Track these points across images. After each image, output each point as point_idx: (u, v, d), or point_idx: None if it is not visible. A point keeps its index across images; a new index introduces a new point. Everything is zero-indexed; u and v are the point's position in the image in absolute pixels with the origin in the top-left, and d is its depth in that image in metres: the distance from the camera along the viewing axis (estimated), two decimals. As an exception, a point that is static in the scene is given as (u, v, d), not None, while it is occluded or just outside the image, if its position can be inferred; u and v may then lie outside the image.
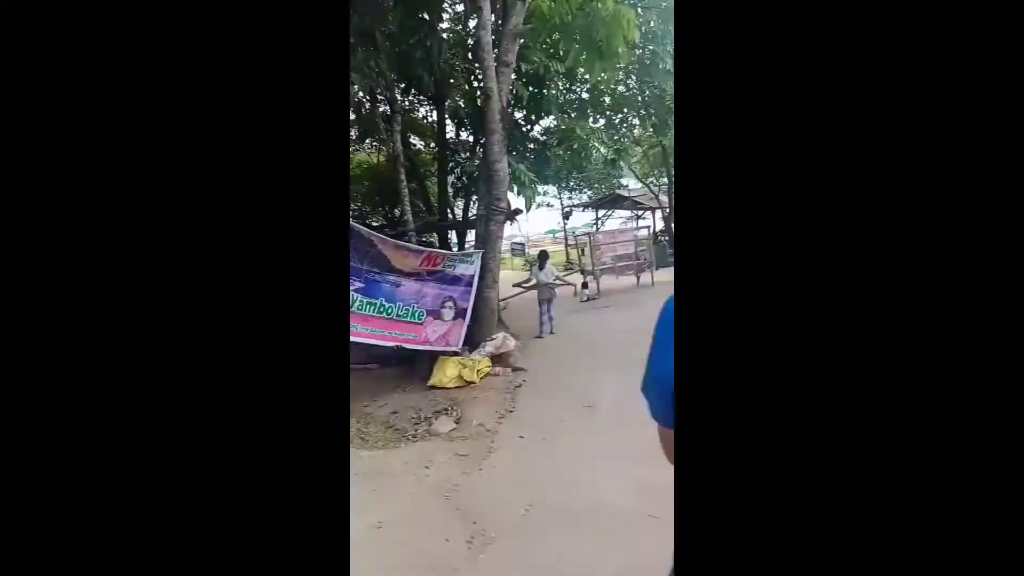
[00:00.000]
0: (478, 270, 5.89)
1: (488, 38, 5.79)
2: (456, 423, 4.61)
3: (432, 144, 9.08)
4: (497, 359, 6.15)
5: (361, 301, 5.02)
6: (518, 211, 6.57)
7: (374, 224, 8.70)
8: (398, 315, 5.35)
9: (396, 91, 6.02)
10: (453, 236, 9.16)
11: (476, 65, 6.62)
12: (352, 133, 10.93)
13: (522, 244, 22.01)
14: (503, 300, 10.39)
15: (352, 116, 8.38)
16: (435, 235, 8.01)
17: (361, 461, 3.56)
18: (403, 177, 5.86)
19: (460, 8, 7.45)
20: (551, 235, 25.46)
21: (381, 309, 5.19)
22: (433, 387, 5.53)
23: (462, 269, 5.78)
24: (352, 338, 5.01)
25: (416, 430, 4.51)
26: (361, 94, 5.65)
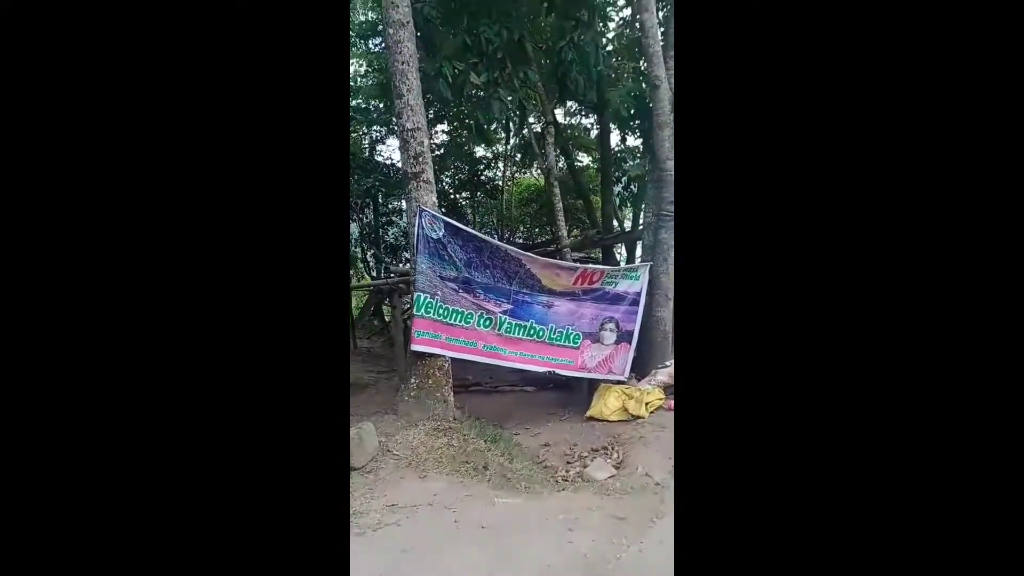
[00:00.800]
0: (645, 286, 5.05)
1: (654, 20, 5.05)
2: (616, 468, 3.83)
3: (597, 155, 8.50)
4: (671, 391, 5.19)
5: (509, 323, 4.59)
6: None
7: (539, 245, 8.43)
8: (551, 338, 4.80)
9: (551, 102, 5.58)
10: (623, 251, 8.44)
11: (640, 56, 5.86)
12: (514, 154, 11.01)
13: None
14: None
15: (511, 137, 8.32)
16: (599, 251, 7.34)
17: (494, 510, 3.02)
18: (556, 191, 5.36)
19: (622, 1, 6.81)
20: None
21: (531, 332, 4.70)
22: (592, 419, 4.82)
23: (625, 286, 5.01)
24: (498, 361, 4.61)
25: (567, 472, 3.85)
26: (512, 110, 5.34)
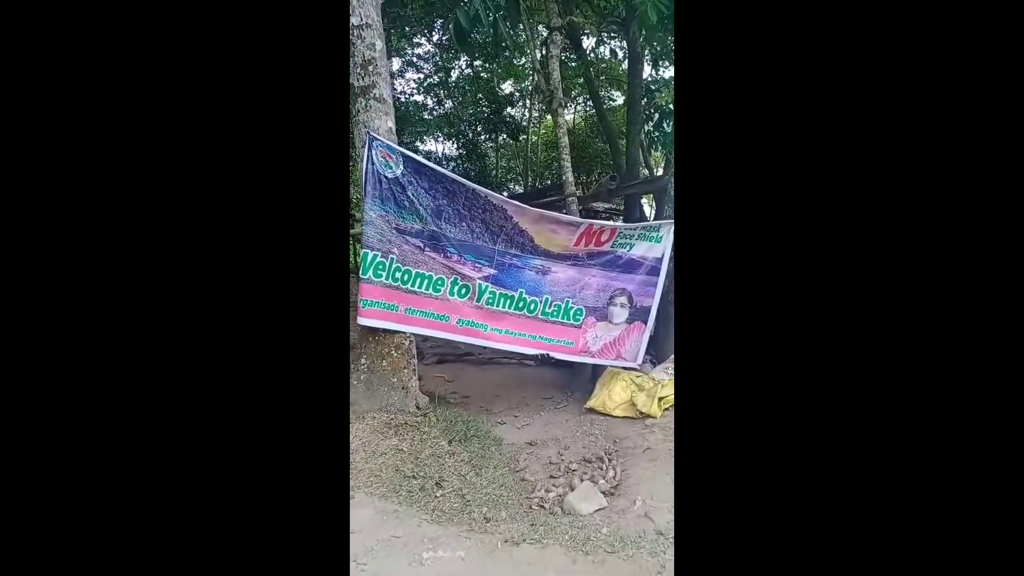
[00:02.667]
0: (668, 250, 3.96)
1: None
2: (609, 493, 2.92)
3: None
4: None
5: (492, 293, 3.61)
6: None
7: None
8: (545, 313, 3.81)
9: (562, 18, 4.31)
10: (655, 206, 7.21)
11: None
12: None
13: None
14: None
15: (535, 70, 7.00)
16: (621, 202, 6.17)
17: (418, 574, 2.15)
18: (561, 120, 4.20)
19: None
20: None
21: (521, 304, 3.72)
22: (593, 411, 3.91)
23: (642, 249, 3.93)
24: (477, 340, 3.68)
25: (547, 494, 2.96)
26: (525, 40, 4.16)
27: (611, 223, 4.02)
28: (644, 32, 4.20)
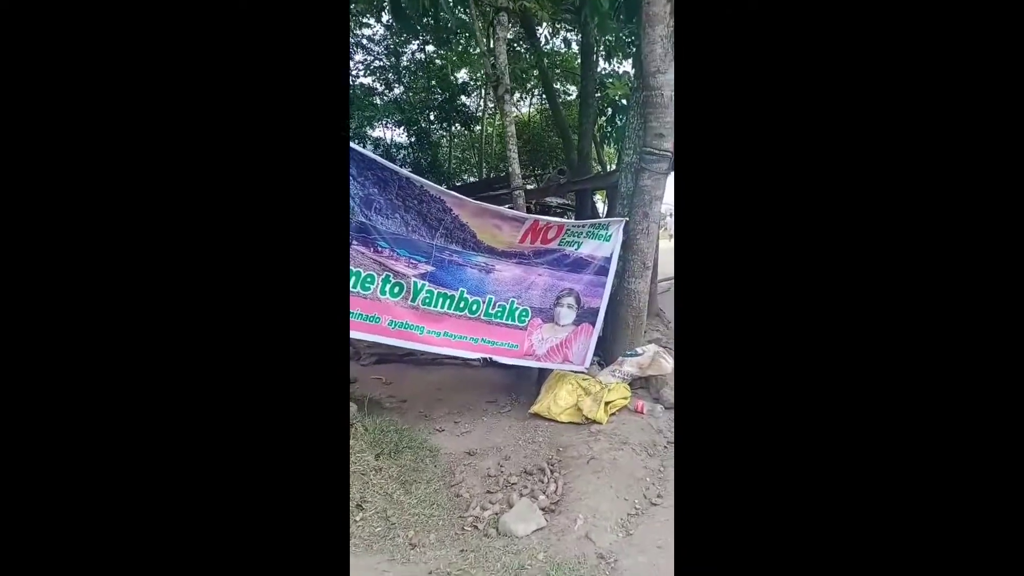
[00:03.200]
0: (618, 248, 3.78)
1: None
2: (550, 510, 2.71)
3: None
4: (643, 384, 4.06)
5: (429, 292, 3.32)
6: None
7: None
8: (488, 314, 3.56)
9: (512, 1, 4.02)
10: (605, 202, 7.06)
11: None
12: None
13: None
14: (668, 280, 7.98)
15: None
16: (572, 198, 5.98)
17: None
18: (509, 119, 3.93)
19: None
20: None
21: (461, 304, 3.45)
22: (538, 416, 3.70)
23: (591, 248, 3.74)
24: (412, 344, 3.38)
25: (482, 512, 2.72)
26: (472, 20, 3.85)
27: (558, 219, 3.80)
28: (596, 19, 3.98)
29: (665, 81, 3.50)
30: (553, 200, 7.98)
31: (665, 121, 3.59)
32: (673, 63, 3.50)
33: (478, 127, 11.77)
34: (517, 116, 12.44)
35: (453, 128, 11.68)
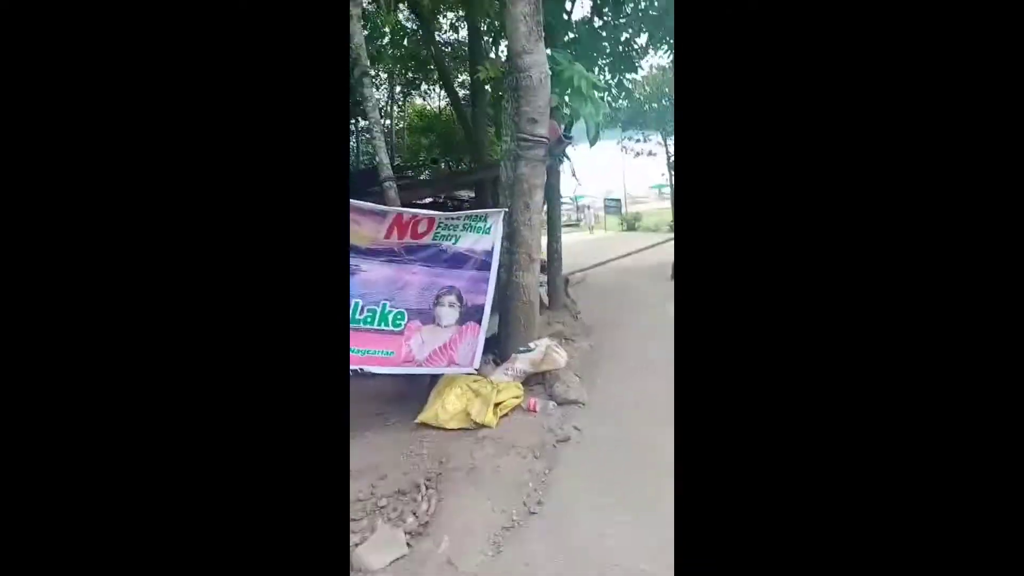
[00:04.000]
0: (498, 241, 3.58)
1: None
2: (416, 533, 2.47)
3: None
4: (539, 380, 3.90)
5: (283, 300, 2.97)
6: (568, 137, 3.96)
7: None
8: (356, 320, 3.25)
9: None
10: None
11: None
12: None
13: (618, 201, 18.62)
14: (583, 272, 7.95)
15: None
16: (472, 192, 5.74)
17: None
18: (371, 104, 3.61)
19: None
20: (658, 190, 21.35)
21: (324, 312, 3.12)
22: (425, 425, 3.44)
23: (470, 242, 3.51)
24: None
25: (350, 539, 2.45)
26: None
27: (427, 212, 3.52)
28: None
29: (533, 62, 3.31)
30: (464, 194, 7.72)
31: (537, 105, 3.41)
32: (541, 42, 3.32)
33: (386, 121, 11.25)
34: (425, 107, 12.06)
35: (356, 122, 11.14)
